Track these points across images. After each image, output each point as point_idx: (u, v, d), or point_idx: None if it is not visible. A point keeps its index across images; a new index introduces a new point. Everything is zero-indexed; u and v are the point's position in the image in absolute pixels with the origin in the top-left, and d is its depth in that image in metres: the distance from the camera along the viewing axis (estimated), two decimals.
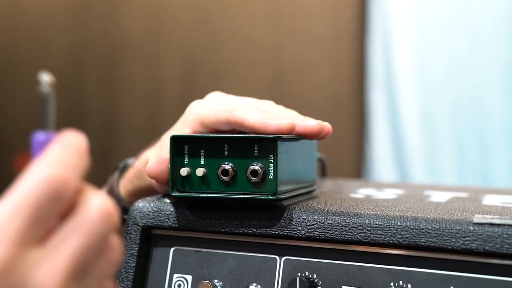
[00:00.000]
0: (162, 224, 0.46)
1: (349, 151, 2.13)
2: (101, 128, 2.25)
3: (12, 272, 0.24)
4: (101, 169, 2.24)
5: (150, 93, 2.22)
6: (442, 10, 2.03)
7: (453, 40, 2.02)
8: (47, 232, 0.26)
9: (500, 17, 1.96)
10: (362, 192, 0.54)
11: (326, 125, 0.46)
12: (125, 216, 0.51)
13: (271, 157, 0.43)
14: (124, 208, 0.55)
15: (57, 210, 0.26)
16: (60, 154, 0.28)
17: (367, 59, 2.12)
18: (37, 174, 0.26)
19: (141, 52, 2.22)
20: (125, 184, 0.56)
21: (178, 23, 2.19)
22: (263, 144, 0.43)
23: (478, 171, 1.99)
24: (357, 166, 2.14)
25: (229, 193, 0.44)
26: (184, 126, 0.48)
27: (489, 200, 0.51)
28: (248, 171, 0.43)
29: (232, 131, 0.47)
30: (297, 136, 0.47)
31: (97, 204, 0.27)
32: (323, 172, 0.63)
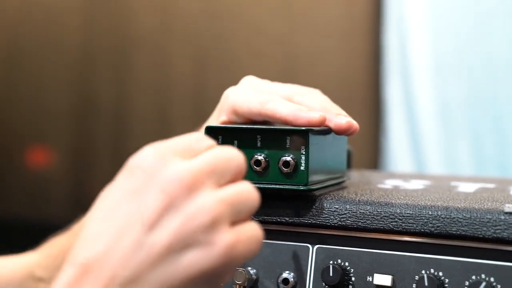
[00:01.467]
0: None
1: (365, 142, 2.14)
2: (112, 124, 2.28)
3: (166, 159, 0.34)
4: (112, 158, 2.27)
5: (161, 87, 2.24)
6: (459, 0, 2.03)
7: (469, 29, 2.02)
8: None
9: None
10: (389, 183, 0.56)
11: (355, 124, 0.48)
12: None
13: (302, 149, 0.44)
14: None
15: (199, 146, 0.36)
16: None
17: (382, 48, 2.13)
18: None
19: (151, 46, 2.24)
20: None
21: (187, 16, 2.21)
22: (295, 136, 0.45)
23: (495, 161, 2.00)
24: (373, 157, 2.15)
25: (262, 183, 0.46)
26: (220, 114, 0.50)
27: None
28: (280, 162, 0.45)
29: (265, 121, 0.49)
30: (328, 129, 0.48)
31: (226, 148, 0.37)
32: (348, 163, 0.65)
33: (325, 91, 1.93)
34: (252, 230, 0.35)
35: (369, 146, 2.15)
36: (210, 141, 0.37)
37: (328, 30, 2.16)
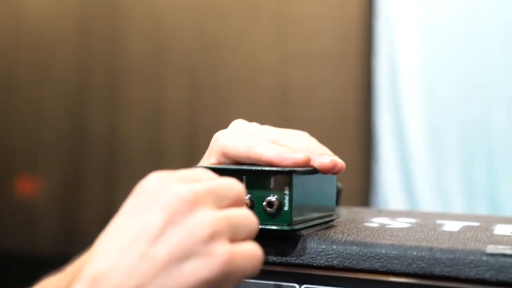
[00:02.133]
0: None
1: (356, 170, 2.16)
2: (104, 154, 2.28)
3: (169, 181, 0.38)
4: (104, 189, 2.27)
5: (154, 117, 2.25)
6: (449, 29, 2.07)
7: (460, 60, 2.06)
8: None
9: (507, 35, 2.00)
10: (376, 221, 0.57)
11: (340, 162, 0.49)
12: None
13: (286, 189, 0.46)
14: None
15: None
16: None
17: (373, 79, 2.16)
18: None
19: (145, 76, 2.26)
20: None
21: (181, 44, 2.24)
22: (279, 177, 0.46)
23: (486, 193, 2.01)
24: (364, 187, 2.17)
25: None
26: (210, 156, 0.52)
27: (500, 229, 0.53)
28: (265, 202, 0.46)
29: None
30: (314, 169, 0.50)
31: (226, 178, 0.41)
32: (337, 200, 0.66)
33: (318, 120, 1.96)
34: (251, 248, 0.38)
35: (360, 176, 2.17)
36: (212, 174, 0.41)
37: (321, 61, 2.20)
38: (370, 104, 2.17)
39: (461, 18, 2.06)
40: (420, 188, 2.08)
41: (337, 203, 0.67)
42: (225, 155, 0.50)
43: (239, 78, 2.21)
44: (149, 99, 2.26)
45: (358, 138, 2.19)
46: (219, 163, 0.51)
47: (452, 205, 2.03)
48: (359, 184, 2.17)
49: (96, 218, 2.10)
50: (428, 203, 2.06)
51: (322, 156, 0.49)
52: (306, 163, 0.47)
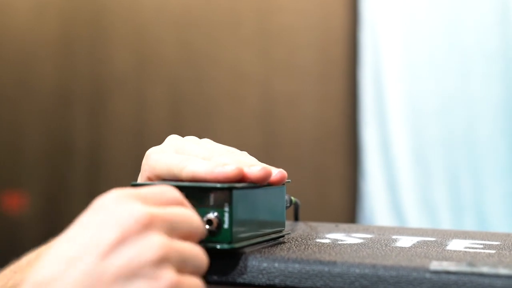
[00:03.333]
0: None
1: (342, 183, 2.15)
2: (87, 169, 2.27)
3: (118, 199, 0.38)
4: (88, 204, 2.25)
5: (137, 132, 2.24)
6: (434, 43, 2.07)
7: (445, 74, 2.06)
8: None
9: (491, 50, 2.00)
10: (330, 237, 0.56)
11: (275, 171, 0.48)
12: None
13: (226, 206, 0.45)
14: None
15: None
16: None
17: (359, 92, 2.15)
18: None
19: (128, 88, 2.25)
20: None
21: (164, 57, 2.23)
22: (218, 193, 0.45)
23: (473, 206, 2.01)
24: (350, 200, 2.15)
25: None
26: (142, 175, 0.50)
27: (454, 245, 0.52)
28: (204, 220, 0.45)
29: None
30: (256, 184, 0.49)
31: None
32: (296, 216, 0.65)
33: (303, 134, 1.95)
34: (196, 283, 0.39)
35: (346, 187, 2.16)
36: (176, 194, 0.41)
37: (305, 73, 2.19)
38: (355, 117, 2.16)
39: (446, 32, 2.06)
40: (407, 202, 2.07)
41: (297, 218, 0.66)
42: (157, 175, 0.49)
43: (222, 91, 2.20)
44: (132, 113, 2.25)
45: (343, 152, 2.18)
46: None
47: (439, 219, 2.02)
48: (345, 198, 2.16)
49: None
50: (414, 217, 2.05)
51: (253, 166, 0.48)
52: (238, 176, 0.46)
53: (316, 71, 2.18)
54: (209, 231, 0.45)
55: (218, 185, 0.45)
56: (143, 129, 2.24)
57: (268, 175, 0.48)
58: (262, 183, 0.48)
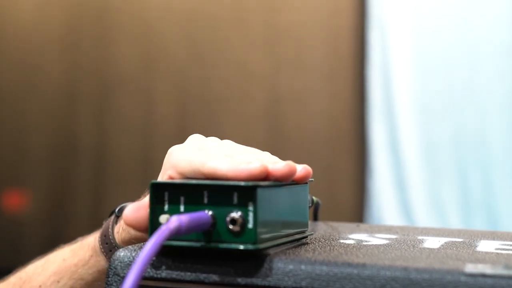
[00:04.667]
0: (144, 274, 0.46)
1: (350, 182, 2.13)
2: (93, 168, 2.26)
3: None
4: (92, 204, 2.24)
5: (143, 130, 2.23)
6: (443, 39, 2.06)
7: (454, 70, 2.04)
8: None
9: (501, 47, 1.99)
10: (353, 237, 0.54)
11: (300, 167, 0.47)
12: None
13: (250, 205, 0.43)
14: None
15: None
16: None
17: (367, 90, 2.14)
18: None
19: (134, 86, 2.24)
20: (120, 232, 0.57)
21: (170, 56, 2.22)
22: (242, 192, 0.43)
23: (483, 204, 1.99)
24: (358, 199, 2.14)
25: (209, 242, 0.44)
26: (163, 173, 0.49)
27: (484, 246, 0.51)
28: (228, 219, 0.43)
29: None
30: (281, 182, 0.47)
31: None
32: (315, 216, 0.64)
33: (310, 132, 1.93)
34: None
35: (355, 186, 2.14)
36: None
37: (313, 70, 2.18)
38: (363, 115, 2.15)
39: (455, 29, 2.04)
40: (415, 200, 2.05)
41: (316, 218, 0.64)
42: (179, 173, 0.48)
43: (229, 88, 2.19)
44: (138, 111, 2.24)
45: (351, 150, 2.16)
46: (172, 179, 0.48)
47: (448, 218, 2.00)
48: (353, 197, 2.14)
49: (84, 232, 2.06)
50: (423, 216, 2.03)
51: (277, 163, 0.46)
52: (263, 174, 0.44)
53: (324, 69, 2.16)
54: (233, 231, 0.44)
55: (242, 183, 0.44)
56: (149, 127, 2.23)
57: (293, 171, 0.46)
58: (287, 180, 0.46)
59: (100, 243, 0.57)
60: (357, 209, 2.11)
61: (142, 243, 0.49)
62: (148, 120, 2.23)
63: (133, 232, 0.55)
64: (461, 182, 2.01)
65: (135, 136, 2.23)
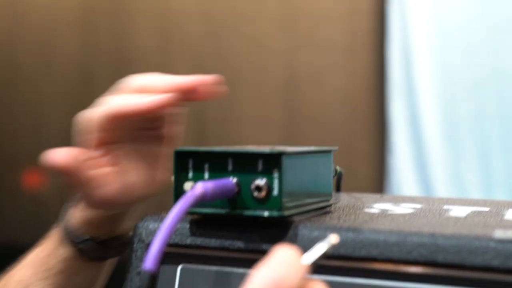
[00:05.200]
0: (169, 241, 0.46)
1: (369, 161, 2.13)
2: None
3: None
4: None
5: None
6: (464, 14, 2.02)
7: (476, 44, 2.01)
8: None
9: None
10: (377, 207, 0.54)
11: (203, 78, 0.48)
12: (77, 247, 0.54)
13: (275, 172, 0.43)
14: (78, 238, 0.56)
15: None
16: (280, 259, 0.33)
17: (386, 65, 2.12)
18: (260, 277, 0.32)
19: (150, 63, 2.24)
20: (79, 214, 0.57)
21: (187, 32, 2.21)
22: (267, 159, 0.43)
23: (504, 181, 1.97)
24: (378, 176, 2.13)
25: (233, 209, 0.44)
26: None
27: None
28: (252, 187, 0.44)
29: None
30: (308, 150, 0.47)
31: None
32: (338, 186, 0.63)
33: (327, 109, 1.92)
34: None
35: (374, 165, 2.13)
36: (300, 267, 0.34)
37: (331, 46, 2.16)
38: (383, 92, 2.13)
39: (477, 2, 2.01)
40: (436, 177, 2.04)
41: (339, 188, 0.64)
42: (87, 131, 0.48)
43: (246, 65, 2.18)
44: None
45: (370, 127, 2.15)
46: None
47: (469, 195, 1.99)
48: (373, 174, 2.14)
49: None
50: (444, 194, 2.02)
51: (183, 78, 0.48)
52: (168, 103, 0.46)
53: (342, 44, 2.14)
54: (258, 198, 0.44)
55: (268, 150, 0.44)
56: None
57: (198, 83, 0.48)
58: (196, 96, 0.48)
59: (61, 230, 0.58)
60: (376, 187, 2.11)
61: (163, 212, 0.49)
62: None
63: (89, 212, 0.56)
64: (483, 159, 1.99)
65: None
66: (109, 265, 0.60)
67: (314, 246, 0.38)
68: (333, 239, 0.38)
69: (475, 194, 2.00)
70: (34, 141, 2.32)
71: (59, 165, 0.48)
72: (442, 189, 2.03)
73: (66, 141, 2.29)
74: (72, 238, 0.57)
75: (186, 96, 0.48)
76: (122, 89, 0.51)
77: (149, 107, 0.47)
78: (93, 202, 0.51)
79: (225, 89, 0.48)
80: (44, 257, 0.59)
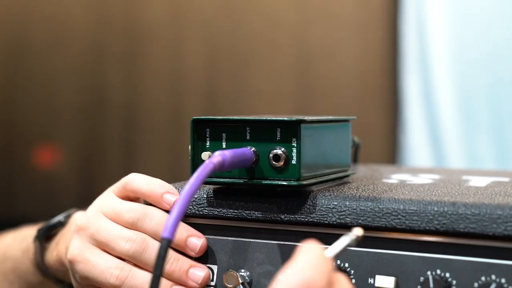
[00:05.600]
0: (186, 211, 0.46)
1: (381, 137, 2.11)
2: (123, 121, 2.27)
3: None
4: (123, 160, 2.27)
5: (173, 83, 2.23)
6: None
7: (491, 19, 1.98)
8: None
9: None
10: (396, 178, 0.54)
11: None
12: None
13: (294, 141, 0.43)
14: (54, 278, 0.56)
15: None
16: (307, 260, 0.33)
17: (400, 38, 2.09)
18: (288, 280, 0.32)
19: (163, 41, 2.23)
20: (51, 257, 0.56)
21: (199, 7, 2.19)
22: (286, 128, 0.43)
23: None
24: (390, 153, 2.12)
25: (251, 178, 0.44)
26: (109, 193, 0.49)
27: None
28: (271, 156, 0.43)
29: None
30: (326, 119, 0.46)
31: None
32: (355, 157, 0.63)
33: (340, 84, 1.90)
34: None
35: (387, 141, 2.12)
36: (327, 265, 0.34)
37: (343, 19, 2.13)
38: (396, 67, 2.11)
39: None
40: (450, 157, 2.02)
41: (356, 159, 0.64)
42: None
43: (259, 39, 2.16)
44: (167, 64, 2.23)
45: (383, 104, 2.13)
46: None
47: (475, 168, 1.98)
48: (386, 149, 2.13)
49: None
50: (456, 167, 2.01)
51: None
52: None
53: (355, 18, 2.12)
54: (276, 168, 0.43)
55: (286, 118, 0.43)
56: (178, 79, 2.23)
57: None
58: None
59: (36, 267, 0.57)
60: (389, 162, 2.10)
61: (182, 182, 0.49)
62: (177, 72, 2.23)
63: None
64: (498, 137, 1.97)
65: (164, 89, 2.23)
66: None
67: (339, 238, 0.37)
68: (357, 231, 0.37)
69: (488, 168, 1.99)
70: (46, 117, 2.33)
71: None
72: (456, 164, 2.02)
73: (78, 117, 2.29)
74: (45, 273, 0.57)
75: None
76: None
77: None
78: None
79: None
80: (12, 258, 0.59)
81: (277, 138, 0.43)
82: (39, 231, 0.56)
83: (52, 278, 0.56)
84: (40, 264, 0.56)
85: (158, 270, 0.36)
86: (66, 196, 2.30)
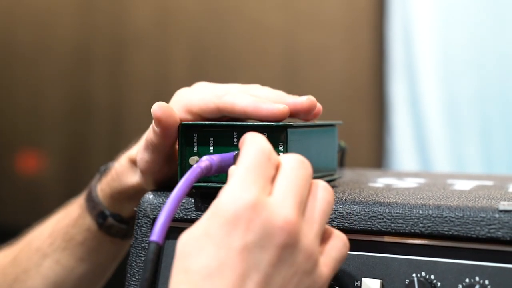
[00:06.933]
0: (174, 216, 0.47)
1: (368, 141, 2.13)
2: (108, 126, 2.27)
3: (262, 207, 0.35)
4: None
5: (158, 88, 2.23)
6: None
7: (477, 23, 2.01)
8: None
9: None
10: (381, 181, 0.55)
11: (315, 101, 0.46)
12: (100, 221, 0.55)
13: (281, 146, 0.43)
14: (101, 212, 0.56)
15: (271, 170, 0.37)
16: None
17: (386, 44, 2.11)
18: (254, 145, 0.38)
19: (148, 45, 2.23)
20: (104, 188, 0.57)
21: (186, 12, 2.20)
22: (273, 132, 0.44)
23: (505, 161, 1.98)
24: (376, 157, 2.14)
25: None
26: None
27: None
28: None
29: (222, 118, 0.47)
30: (312, 123, 0.47)
31: (291, 158, 0.38)
32: (341, 161, 0.64)
33: (328, 87, 1.92)
34: (339, 245, 0.39)
35: (373, 146, 2.14)
36: (274, 155, 0.39)
37: (330, 25, 2.15)
38: (383, 71, 2.13)
39: None
40: (436, 159, 2.04)
41: (342, 164, 0.65)
42: (189, 111, 0.47)
43: (245, 44, 2.17)
44: (153, 69, 2.24)
45: (370, 107, 2.15)
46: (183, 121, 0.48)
47: (460, 172, 2.00)
48: (372, 153, 2.14)
49: None
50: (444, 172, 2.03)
51: (298, 98, 0.46)
52: (285, 115, 0.44)
53: (342, 22, 2.13)
54: None
55: (273, 123, 0.44)
56: (164, 84, 2.23)
57: (313, 105, 0.46)
58: (307, 116, 0.46)
59: (85, 201, 0.57)
60: (376, 166, 2.12)
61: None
62: (162, 78, 2.23)
63: (114, 185, 0.55)
64: (485, 140, 2.00)
65: (150, 94, 2.24)
66: (125, 249, 0.59)
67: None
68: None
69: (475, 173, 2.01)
70: (31, 122, 2.32)
71: (165, 120, 0.46)
72: (442, 168, 2.04)
73: (62, 122, 2.28)
74: (95, 210, 0.56)
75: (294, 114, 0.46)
76: (233, 88, 0.48)
77: (267, 114, 0.44)
78: (156, 178, 0.49)
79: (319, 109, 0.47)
80: (64, 226, 0.57)
81: None
82: (101, 167, 0.59)
83: (101, 216, 0.55)
84: (93, 194, 0.56)
85: (146, 273, 0.36)
86: (51, 203, 2.29)
